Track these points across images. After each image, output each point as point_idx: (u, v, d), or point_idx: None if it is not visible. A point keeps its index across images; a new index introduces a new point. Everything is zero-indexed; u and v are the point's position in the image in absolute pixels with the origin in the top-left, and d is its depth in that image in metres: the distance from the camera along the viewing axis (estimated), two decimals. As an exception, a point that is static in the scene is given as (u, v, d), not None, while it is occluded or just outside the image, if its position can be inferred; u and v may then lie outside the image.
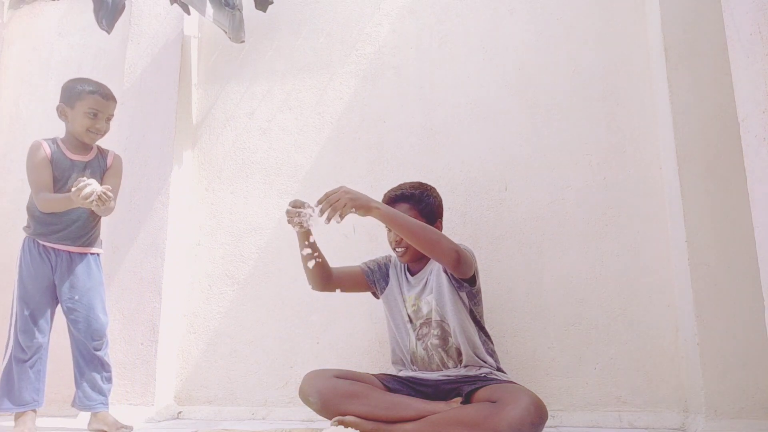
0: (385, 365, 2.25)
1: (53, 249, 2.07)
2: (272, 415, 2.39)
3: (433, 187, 2.07)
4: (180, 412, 2.48)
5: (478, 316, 1.96)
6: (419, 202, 1.98)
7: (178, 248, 2.63)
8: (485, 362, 1.91)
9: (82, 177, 1.89)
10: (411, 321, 1.99)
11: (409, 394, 1.83)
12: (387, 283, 2.08)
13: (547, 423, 1.64)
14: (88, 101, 2.07)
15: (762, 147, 1.26)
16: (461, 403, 1.75)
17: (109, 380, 2.11)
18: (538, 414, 1.58)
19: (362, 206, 1.70)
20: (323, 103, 2.68)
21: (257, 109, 2.76)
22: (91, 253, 2.15)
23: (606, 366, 2.17)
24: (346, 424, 1.74)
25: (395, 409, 1.73)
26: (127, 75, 2.78)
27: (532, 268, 2.30)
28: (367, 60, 2.67)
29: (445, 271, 1.92)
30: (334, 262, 2.49)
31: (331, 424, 1.77)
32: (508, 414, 1.55)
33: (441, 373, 1.91)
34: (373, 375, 1.94)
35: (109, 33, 2.54)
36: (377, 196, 2.53)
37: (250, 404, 2.45)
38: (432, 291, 1.95)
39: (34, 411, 1.99)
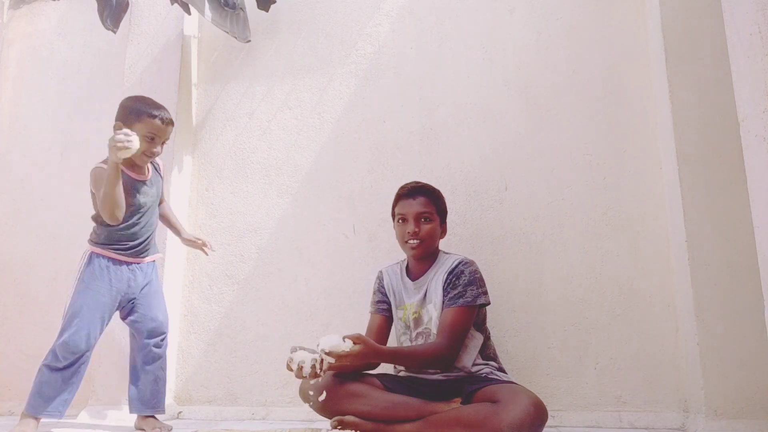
0: (384, 365, 2.24)
1: (127, 262, 2.08)
2: (272, 415, 2.39)
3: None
4: (180, 412, 2.47)
5: (479, 323, 1.95)
6: (436, 199, 2.00)
7: (178, 248, 2.63)
8: (486, 365, 1.90)
9: (146, 195, 2.07)
10: (408, 328, 1.98)
11: (408, 394, 1.83)
12: (390, 305, 2.07)
13: (547, 423, 1.64)
14: (147, 125, 2.03)
15: (762, 147, 1.26)
16: (461, 403, 1.74)
17: (160, 380, 2.11)
18: (538, 414, 1.58)
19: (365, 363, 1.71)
20: (323, 103, 2.68)
21: (257, 109, 2.76)
22: (154, 260, 2.19)
23: (606, 366, 2.17)
24: (346, 424, 1.74)
25: (395, 409, 1.73)
26: (127, 75, 2.78)
27: (532, 268, 2.30)
28: (367, 60, 2.67)
29: (444, 289, 1.91)
30: (335, 262, 2.50)
31: (331, 425, 1.77)
32: (508, 414, 1.55)
33: (441, 373, 1.90)
34: (372, 374, 1.93)
35: (115, 32, 2.53)
36: (377, 195, 2.54)
37: (250, 404, 2.45)
38: (431, 301, 1.94)
39: (37, 419, 1.95)
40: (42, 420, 1.97)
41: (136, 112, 2.05)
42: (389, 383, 1.88)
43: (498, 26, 2.55)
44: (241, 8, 2.65)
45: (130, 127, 2.03)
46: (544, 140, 2.40)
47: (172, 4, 2.55)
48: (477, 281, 1.89)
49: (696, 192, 2.03)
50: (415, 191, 2.00)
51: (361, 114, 2.63)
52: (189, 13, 2.61)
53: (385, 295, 2.07)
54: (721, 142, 2.02)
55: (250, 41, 2.69)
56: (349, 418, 1.74)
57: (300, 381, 1.88)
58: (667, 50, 2.14)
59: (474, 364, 1.88)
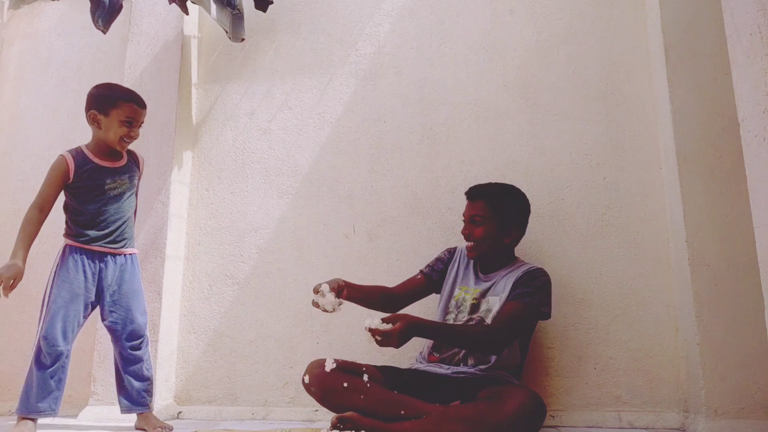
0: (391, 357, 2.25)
1: (99, 252, 2.06)
2: (272, 415, 2.39)
3: (522, 194, 2.05)
4: (180, 412, 2.47)
5: (525, 341, 1.99)
6: (494, 201, 1.97)
7: (178, 248, 2.63)
8: (506, 372, 1.91)
9: (115, 182, 2.06)
10: (459, 309, 1.99)
11: (411, 389, 1.82)
12: (444, 279, 2.10)
13: (547, 423, 1.64)
14: (124, 110, 2.05)
15: (762, 147, 1.26)
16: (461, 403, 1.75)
17: (144, 379, 2.08)
18: (535, 407, 1.61)
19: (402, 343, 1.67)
20: (323, 103, 2.68)
21: (257, 109, 2.76)
22: (130, 254, 2.15)
23: (606, 366, 2.17)
24: (346, 421, 1.73)
25: (396, 407, 1.73)
26: (127, 75, 2.78)
27: (532, 268, 2.29)
28: (367, 60, 2.67)
29: (514, 285, 1.92)
30: (335, 262, 2.50)
31: (331, 423, 1.76)
32: (505, 407, 1.58)
33: (452, 369, 1.90)
34: (374, 366, 1.93)
35: (105, 33, 2.53)
36: (377, 195, 2.54)
37: (250, 404, 2.45)
38: (498, 293, 1.95)
39: (34, 420, 1.95)
40: (38, 421, 1.97)
41: (111, 99, 2.06)
42: (391, 377, 1.88)
43: (498, 26, 2.55)
44: (239, 8, 2.65)
45: (106, 114, 2.05)
46: (543, 140, 2.40)
47: (170, 3, 2.54)
48: (547, 291, 1.92)
49: (696, 192, 2.03)
50: (474, 193, 2.02)
51: (361, 114, 2.63)
52: (187, 13, 2.61)
53: (446, 266, 2.11)
54: (721, 142, 2.02)
55: (243, 40, 2.69)
56: (349, 414, 1.74)
57: (300, 375, 1.89)
58: (667, 50, 2.14)
59: (495, 369, 1.89)
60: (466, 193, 2.05)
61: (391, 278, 2.38)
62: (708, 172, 2.03)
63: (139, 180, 2.23)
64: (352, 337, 2.40)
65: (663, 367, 2.13)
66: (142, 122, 2.14)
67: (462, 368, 1.90)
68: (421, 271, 2.14)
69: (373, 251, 2.47)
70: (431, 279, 2.11)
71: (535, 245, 2.31)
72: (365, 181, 2.55)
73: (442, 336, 1.83)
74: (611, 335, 2.19)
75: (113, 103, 2.05)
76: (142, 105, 2.11)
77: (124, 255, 2.12)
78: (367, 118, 2.62)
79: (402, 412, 1.72)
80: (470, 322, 1.95)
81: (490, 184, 2.07)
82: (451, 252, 2.16)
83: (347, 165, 2.59)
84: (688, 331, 2.02)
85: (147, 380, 2.10)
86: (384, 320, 1.64)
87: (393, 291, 2.08)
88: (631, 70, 2.37)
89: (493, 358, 1.89)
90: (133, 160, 2.20)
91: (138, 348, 2.08)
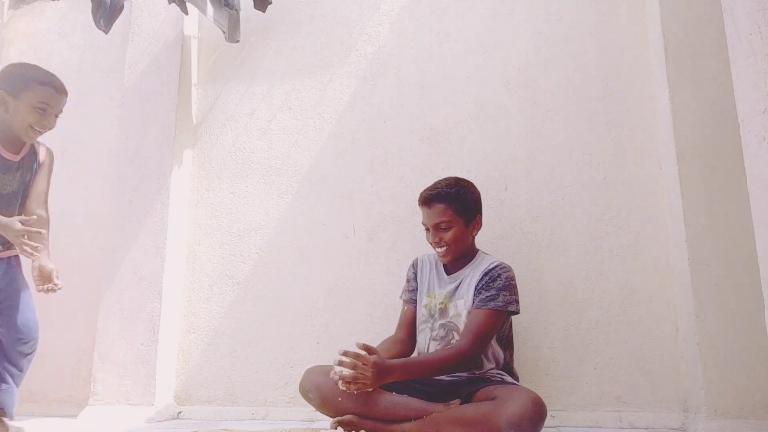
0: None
1: None
2: (272, 415, 2.39)
3: (470, 183, 2.03)
4: (180, 412, 2.47)
5: (504, 335, 1.97)
6: (455, 201, 1.93)
7: (178, 248, 2.63)
8: (499, 374, 1.90)
9: (6, 178, 1.79)
10: (432, 317, 1.98)
11: (409, 392, 1.82)
12: (417, 292, 2.07)
13: (548, 423, 1.64)
14: (38, 93, 1.77)
15: (762, 147, 1.25)
16: (461, 403, 1.74)
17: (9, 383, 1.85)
18: (537, 410, 1.59)
19: (380, 384, 1.71)
20: (323, 103, 2.68)
21: (257, 109, 2.76)
22: (8, 257, 1.90)
23: (606, 366, 2.17)
24: (345, 424, 1.74)
25: (395, 409, 1.73)
26: (127, 75, 2.78)
27: (532, 268, 2.29)
28: (367, 60, 2.67)
29: (477, 289, 1.89)
30: (335, 262, 2.50)
31: (330, 426, 1.77)
32: (506, 410, 1.56)
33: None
34: None
35: (106, 33, 2.54)
36: (377, 195, 2.54)
37: (250, 404, 2.45)
38: (462, 297, 1.94)
39: None
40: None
41: (24, 79, 1.78)
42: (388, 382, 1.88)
43: (498, 26, 2.55)
44: (236, 9, 2.65)
45: (16, 96, 1.77)
46: (544, 140, 2.40)
47: (170, 3, 2.54)
48: (511, 288, 1.88)
49: (696, 192, 2.03)
50: (429, 199, 1.96)
51: (361, 114, 2.63)
52: (187, 12, 2.61)
53: (417, 283, 2.08)
54: (721, 142, 2.02)
55: (238, 41, 2.68)
56: (348, 417, 1.74)
57: (301, 376, 1.90)
58: (667, 50, 2.14)
59: (488, 371, 1.89)
60: (422, 201, 1.98)
61: (391, 278, 2.38)
62: (708, 172, 2.03)
63: (38, 175, 1.91)
64: (353, 336, 2.39)
65: (663, 367, 2.13)
66: (60, 111, 1.86)
67: (456, 374, 1.89)
68: (404, 302, 2.10)
69: (373, 251, 2.47)
70: (415, 302, 2.08)
71: (535, 245, 2.31)
72: (365, 181, 2.55)
73: (415, 374, 1.79)
74: (611, 335, 2.19)
75: (26, 85, 1.77)
76: (61, 91, 1.83)
77: (5, 259, 1.87)
78: (367, 118, 2.61)
79: (402, 413, 1.71)
80: (441, 330, 1.93)
81: (438, 186, 1.99)
82: (414, 266, 2.12)
83: (347, 165, 2.59)
84: (688, 331, 2.02)
85: (10, 384, 1.85)
86: (358, 346, 1.68)
87: (402, 337, 2.03)
88: (631, 70, 2.37)
89: (485, 363, 1.88)
90: (33, 151, 1.90)
91: (27, 353, 1.87)
